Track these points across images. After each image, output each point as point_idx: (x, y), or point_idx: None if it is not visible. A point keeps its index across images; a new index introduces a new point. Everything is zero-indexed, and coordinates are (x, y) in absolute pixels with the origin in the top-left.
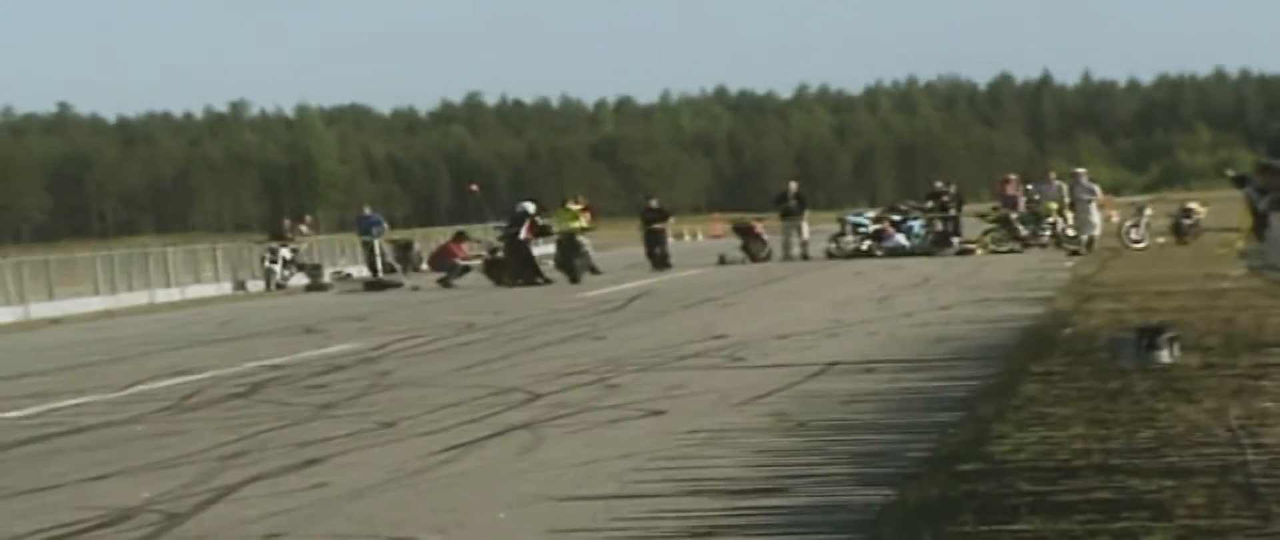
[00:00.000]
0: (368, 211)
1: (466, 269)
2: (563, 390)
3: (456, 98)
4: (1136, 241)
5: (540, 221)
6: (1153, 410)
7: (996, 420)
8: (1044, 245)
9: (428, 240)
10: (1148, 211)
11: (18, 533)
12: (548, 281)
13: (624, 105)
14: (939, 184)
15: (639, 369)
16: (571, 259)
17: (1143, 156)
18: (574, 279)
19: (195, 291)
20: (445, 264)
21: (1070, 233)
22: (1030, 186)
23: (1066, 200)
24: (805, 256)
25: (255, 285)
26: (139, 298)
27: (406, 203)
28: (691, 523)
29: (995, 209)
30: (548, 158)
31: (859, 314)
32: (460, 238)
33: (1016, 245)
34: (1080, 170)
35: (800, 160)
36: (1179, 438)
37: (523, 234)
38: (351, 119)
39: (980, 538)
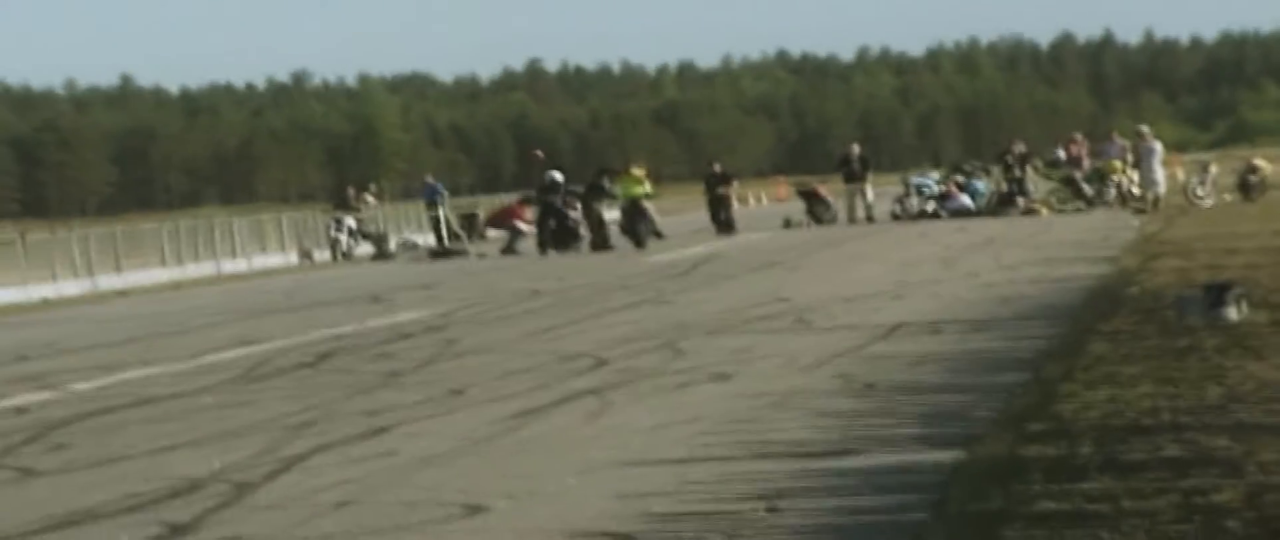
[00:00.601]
0: (431, 180)
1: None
2: (629, 356)
3: (518, 65)
4: (1202, 198)
5: (607, 186)
6: (1221, 368)
7: (1064, 380)
8: (1109, 204)
9: (492, 208)
10: (1213, 169)
11: (89, 504)
12: (610, 247)
13: (685, 70)
14: (1019, 147)
15: (705, 333)
16: (636, 224)
17: (1207, 114)
18: (639, 244)
19: (261, 262)
20: (507, 225)
21: (1135, 191)
22: (1097, 146)
23: (1131, 159)
24: (870, 219)
25: (321, 255)
26: (205, 269)
27: (471, 171)
28: (760, 486)
29: (1051, 165)
30: (610, 124)
31: (924, 275)
32: (525, 202)
33: (1082, 204)
34: (1144, 128)
35: (863, 123)
36: (1248, 395)
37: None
38: (414, 88)
39: (1049, 497)
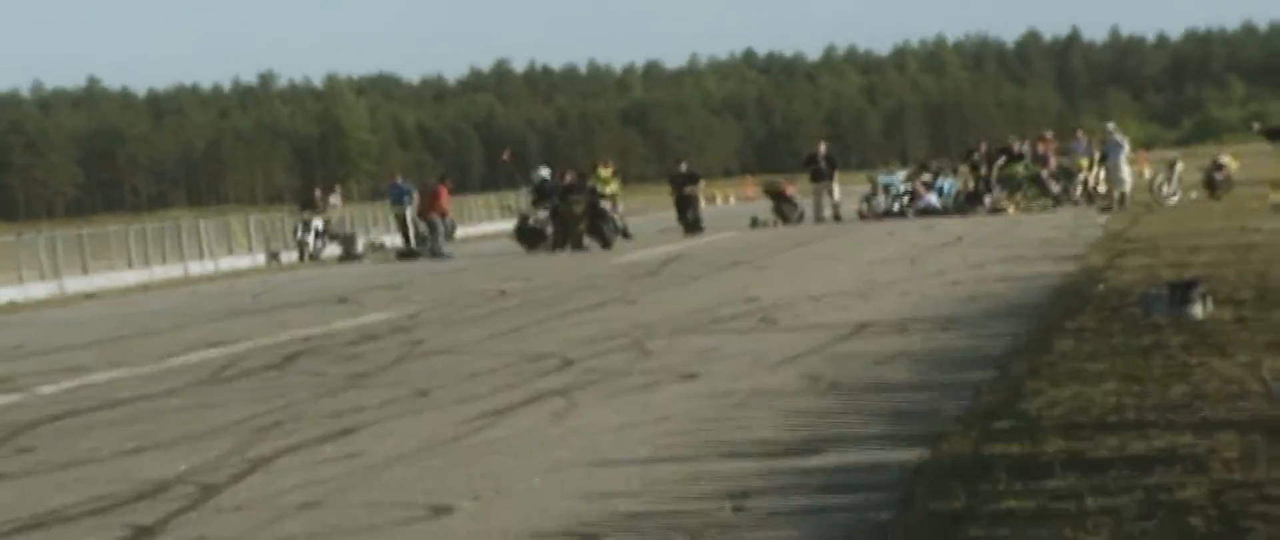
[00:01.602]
0: (399, 181)
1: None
2: (596, 356)
3: (485, 65)
4: (1168, 196)
5: (588, 187)
6: (1186, 365)
7: (1030, 377)
8: (1076, 202)
9: (460, 209)
10: (1179, 166)
11: (55, 506)
12: (584, 248)
13: (652, 70)
14: (984, 145)
15: (672, 333)
16: (602, 224)
17: (1174, 111)
18: (606, 244)
19: (228, 264)
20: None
21: (1102, 189)
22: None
23: (1097, 156)
24: (837, 218)
25: (288, 257)
26: (172, 271)
27: (438, 172)
28: (726, 485)
29: (1010, 157)
30: (578, 124)
31: (892, 274)
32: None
33: (1048, 202)
34: (1110, 125)
35: (830, 121)
36: (1213, 392)
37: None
38: (380, 88)
39: (1014, 495)
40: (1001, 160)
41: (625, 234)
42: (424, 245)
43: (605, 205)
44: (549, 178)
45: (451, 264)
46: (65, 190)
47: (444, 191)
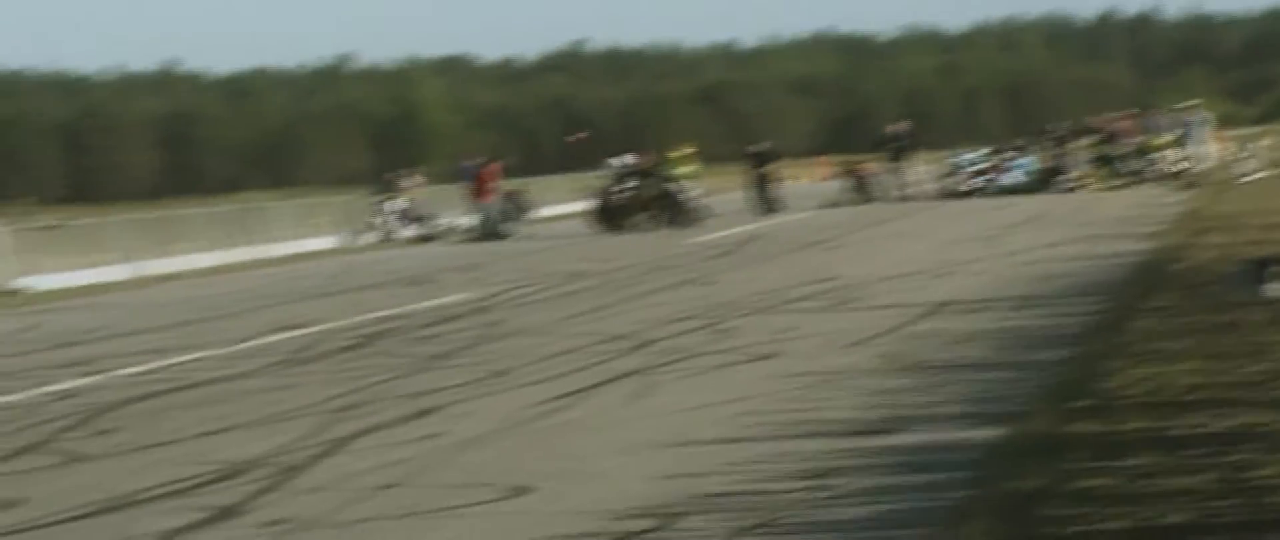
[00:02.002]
0: (474, 161)
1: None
2: (673, 336)
3: (560, 46)
4: (1248, 174)
5: (666, 171)
6: (1265, 343)
7: (1108, 356)
8: (1155, 180)
9: (537, 189)
10: (1262, 142)
11: (134, 488)
12: (653, 229)
13: (728, 50)
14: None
15: (749, 313)
16: (673, 207)
17: (1252, 89)
18: (677, 225)
19: (305, 245)
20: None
21: (1181, 166)
22: (1145, 120)
23: (1176, 134)
24: (914, 197)
25: (365, 238)
26: (250, 253)
27: (514, 152)
28: (802, 465)
29: (1097, 143)
30: (652, 104)
31: (968, 253)
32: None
33: (1128, 180)
34: (1191, 103)
35: (907, 101)
36: None
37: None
38: (456, 70)
39: (1092, 473)
40: (1085, 140)
41: (699, 216)
42: (487, 227)
43: (673, 186)
44: (630, 163)
45: (529, 244)
46: (142, 174)
47: (489, 174)
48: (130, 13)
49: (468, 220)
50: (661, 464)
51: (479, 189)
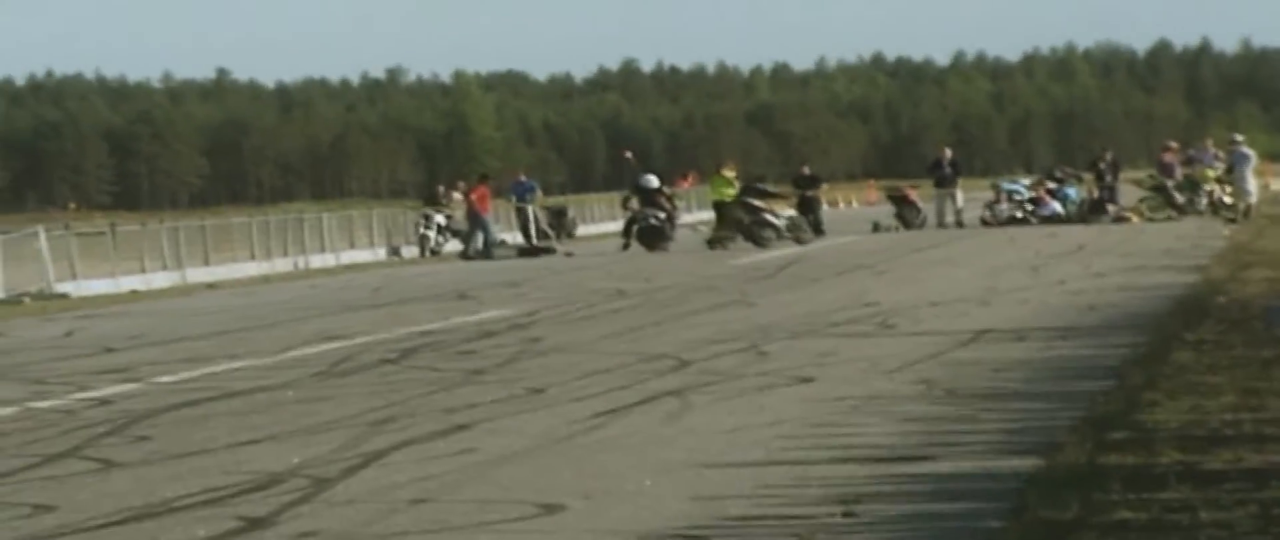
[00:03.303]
0: (523, 178)
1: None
2: (712, 357)
3: (613, 64)
4: None
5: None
6: None
7: (1147, 389)
8: (1201, 213)
9: (582, 207)
10: None
11: (169, 496)
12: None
13: (780, 72)
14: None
15: (789, 336)
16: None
17: None
18: (723, 245)
19: (349, 257)
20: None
21: (1227, 200)
22: (1191, 151)
23: (1224, 167)
24: (959, 224)
25: (409, 251)
26: (294, 263)
27: (562, 169)
28: (838, 490)
29: (1151, 176)
30: (703, 124)
31: (1012, 281)
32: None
33: (1173, 213)
34: (1238, 136)
35: (957, 127)
36: None
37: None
38: (508, 85)
39: (1128, 506)
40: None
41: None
42: (545, 240)
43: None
44: (654, 185)
45: (571, 262)
46: (190, 181)
47: (479, 194)
48: (182, 20)
49: (512, 236)
50: (696, 485)
51: (479, 205)
